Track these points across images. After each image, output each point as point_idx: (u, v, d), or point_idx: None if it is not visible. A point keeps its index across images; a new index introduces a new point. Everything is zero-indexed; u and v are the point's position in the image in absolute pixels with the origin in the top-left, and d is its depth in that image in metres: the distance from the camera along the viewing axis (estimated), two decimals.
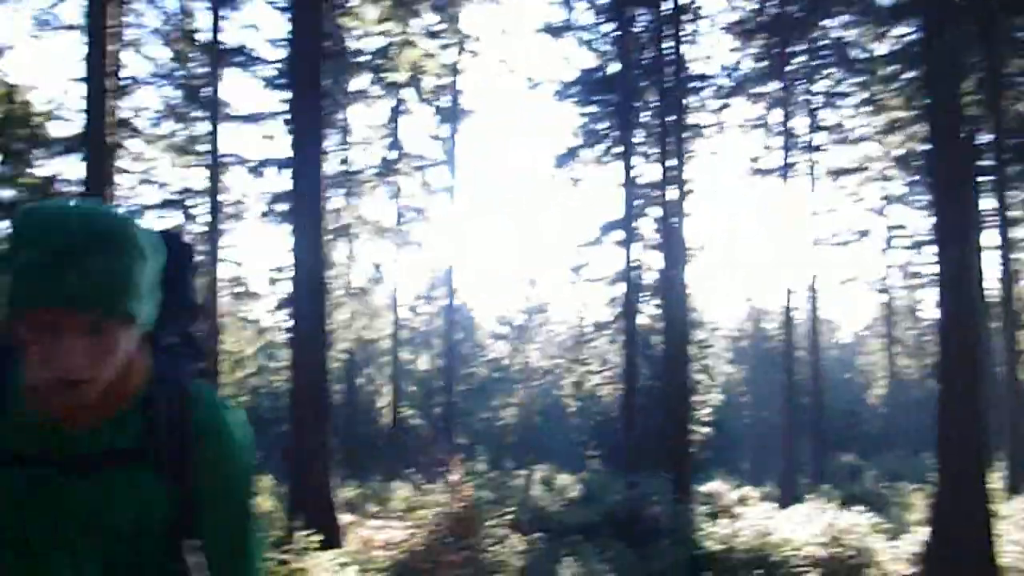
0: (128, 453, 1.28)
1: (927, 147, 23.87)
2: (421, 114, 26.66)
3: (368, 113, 22.97)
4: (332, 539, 7.90)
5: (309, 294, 8.76)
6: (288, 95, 22.69)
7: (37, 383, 1.15)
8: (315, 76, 8.26)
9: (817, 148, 25.44)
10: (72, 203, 1.19)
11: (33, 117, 17.12)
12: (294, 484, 8.57)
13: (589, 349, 42.23)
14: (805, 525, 9.15)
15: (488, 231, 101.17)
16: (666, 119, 21.46)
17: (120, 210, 1.21)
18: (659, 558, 8.24)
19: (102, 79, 10.31)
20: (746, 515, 11.16)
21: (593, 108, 25.10)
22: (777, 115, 24.97)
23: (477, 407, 39.71)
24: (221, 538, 1.37)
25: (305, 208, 8.84)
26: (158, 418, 1.29)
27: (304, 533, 6.92)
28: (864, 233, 29.78)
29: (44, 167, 18.70)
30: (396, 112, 25.02)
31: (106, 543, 1.30)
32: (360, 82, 21.64)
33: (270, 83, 22.24)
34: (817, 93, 25.12)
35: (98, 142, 10.40)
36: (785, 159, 23.75)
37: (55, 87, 47.91)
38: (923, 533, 9.36)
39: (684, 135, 16.84)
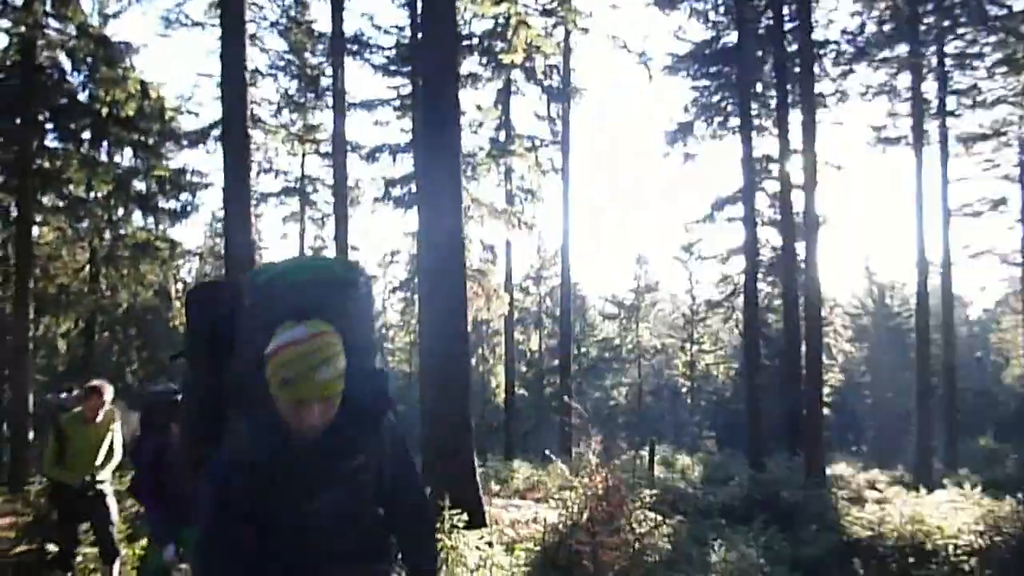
0: None
1: None
2: (532, 94, 26.46)
3: (477, 95, 22.92)
4: (477, 518, 8.01)
5: (449, 278, 8.86)
6: (400, 81, 23.24)
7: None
8: (450, 60, 8.31)
9: (950, 113, 23.98)
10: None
11: (166, 112, 17.91)
12: (440, 463, 8.74)
13: (702, 328, 41.64)
14: (957, 512, 8.72)
15: (598, 209, 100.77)
16: (787, 88, 20.74)
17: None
18: (808, 544, 8.03)
19: (242, 72, 10.68)
20: (892, 500, 10.73)
21: (706, 81, 24.53)
22: (904, 80, 23.71)
23: (588, 387, 39.67)
24: None
25: (444, 192, 8.92)
26: None
27: (451, 512, 7.03)
28: (1000, 202, 28.03)
29: (175, 159, 19.69)
30: (507, 93, 25.03)
31: None
32: (469, 64, 21.70)
33: (384, 70, 22.61)
34: (949, 55, 23.67)
35: (237, 134, 10.78)
36: (914, 126, 22.51)
37: (184, 82, 50.06)
38: None
39: (808, 104, 16.12)
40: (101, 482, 6.23)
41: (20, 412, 15.08)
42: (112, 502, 6.35)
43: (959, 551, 7.53)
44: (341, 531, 2.13)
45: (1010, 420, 28.48)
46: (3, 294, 17.06)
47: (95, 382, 6.26)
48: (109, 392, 6.20)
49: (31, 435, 14.94)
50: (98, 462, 6.18)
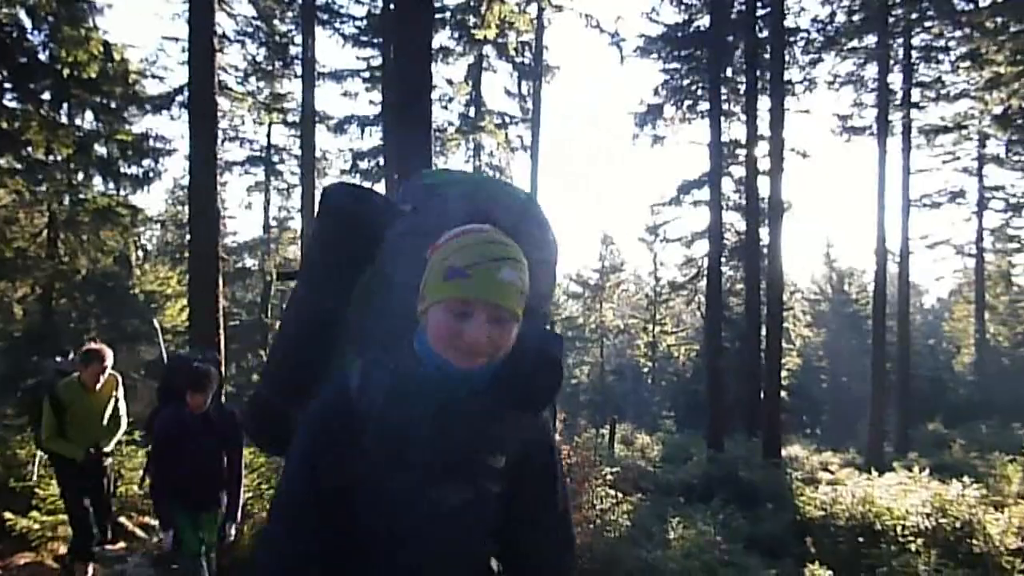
0: None
1: None
2: (503, 71, 26.34)
3: (449, 69, 22.79)
4: None
5: None
6: (370, 52, 22.99)
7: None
8: (425, 32, 8.23)
9: (914, 105, 24.39)
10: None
11: (130, 75, 17.50)
12: None
13: (664, 309, 42.07)
14: (906, 494, 8.99)
15: (566, 188, 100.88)
16: (757, 74, 20.91)
17: None
18: (764, 522, 8.24)
19: (210, 37, 10.50)
20: (845, 482, 11.02)
21: (676, 65, 24.63)
22: (871, 71, 24.04)
23: None
24: None
25: (415, 166, 8.87)
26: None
27: None
28: (958, 194, 28.67)
29: (138, 124, 19.28)
30: (479, 68, 24.91)
31: None
32: (441, 38, 21.54)
33: (354, 40, 22.35)
34: (915, 47, 24.03)
35: (204, 100, 10.61)
36: (878, 117, 22.85)
37: (149, 45, 48.96)
38: None
39: (777, 92, 16.29)
40: (108, 454, 5.84)
41: None
42: (108, 480, 5.92)
43: (907, 531, 7.78)
44: (449, 556, 1.51)
45: (959, 406, 29.26)
46: None
47: (93, 345, 5.72)
48: (109, 357, 5.69)
49: None
50: (102, 433, 5.72)
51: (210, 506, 4.87)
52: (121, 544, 7.26)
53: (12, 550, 6.51)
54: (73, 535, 5.79)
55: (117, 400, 5.78)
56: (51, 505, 6.67)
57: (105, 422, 5.72)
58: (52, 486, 6.83)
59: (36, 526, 6.53)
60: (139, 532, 7.47)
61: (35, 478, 7.19)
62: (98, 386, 5.58)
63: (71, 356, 6.00)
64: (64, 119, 17.08)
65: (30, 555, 6.46)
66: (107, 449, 5.78)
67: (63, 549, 6.57)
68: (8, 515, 6.55)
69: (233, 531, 4.92)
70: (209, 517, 4.88)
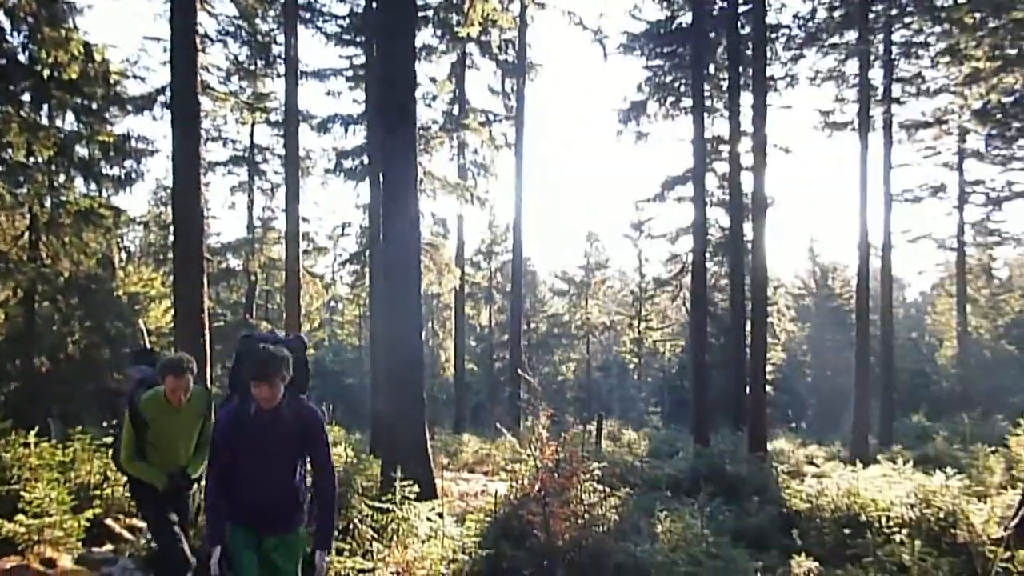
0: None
1: (1009, 99, 23.06)
2: (486, 69, 26.34)
3: (431, 67, 22.77)
4: (428, 490, 8.10)
5: (403, 251, 8.87)
6: (353, 51, 22.93)
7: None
8: (408, 26, 8.23)
9: (895, 100, 24.60)
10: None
11: (111, 75, 17.40)
12: (389, 436, 8.79)
13: (650, 306, 42.24)
14: (890, 486, 9.08)
15: (551, 186, 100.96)
16: (739, 70, 20.99)
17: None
18: (750, 515, 8.31)
19: (192, 37, 10.45)
20: (830, 475, 11.11)
21: (659, 61, 24.70)
22: (852, 66, 24.19)
23: (537, 362, 40.03)
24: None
25: (399, 165, 8.90)
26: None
27: (402, 484, 7.10)
28: (939, 189, 28.90)
29: (119, 124, 19.16)
30: (462, 66, 24.91)
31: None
32: (424, 36, 21.50)
33: (337, 39, 22.27)
34: (896, 43, 24.23)
35: (187, 100, 10.57)
36: (860, 112, 23.00)
37: (130, 46, 48.56)
38: (1011, 495, 9.26)
39: (760, 88, 16.38)
40: (195, 481, 5.07)
41: None
42: (190, 512, 5.24)
43: (891, 523, 7.85)
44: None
45: (942, 399, 29.58)
46: None
47: (175, 355, 4.97)
48: (192, 369, 4.85)
49: None
50: (187, 457, 5.00)
51: (279, 525, 3.97)
52: (108, 546, 7.24)
53: None
54: (165, 565, 4.89)
55: (206, 420, 5.03)
56: (36, 508, 6.63)
57: (193, 445, 5.03)
58: (38, 488, 6.82)
59: (22, 529, 6.49)
60: (126, 534, 7.45)
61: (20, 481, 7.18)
62: (182, 402, 4.86)
63: (157, 364, 5.05)
64: (45, 120, 16.97)
65: (16, 558, 6.42)
66: (194, 476, 5.03)
67: (50, 552, 6.55)
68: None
69: (325, 563, 3.88)
70: (280, 541, 3.99)
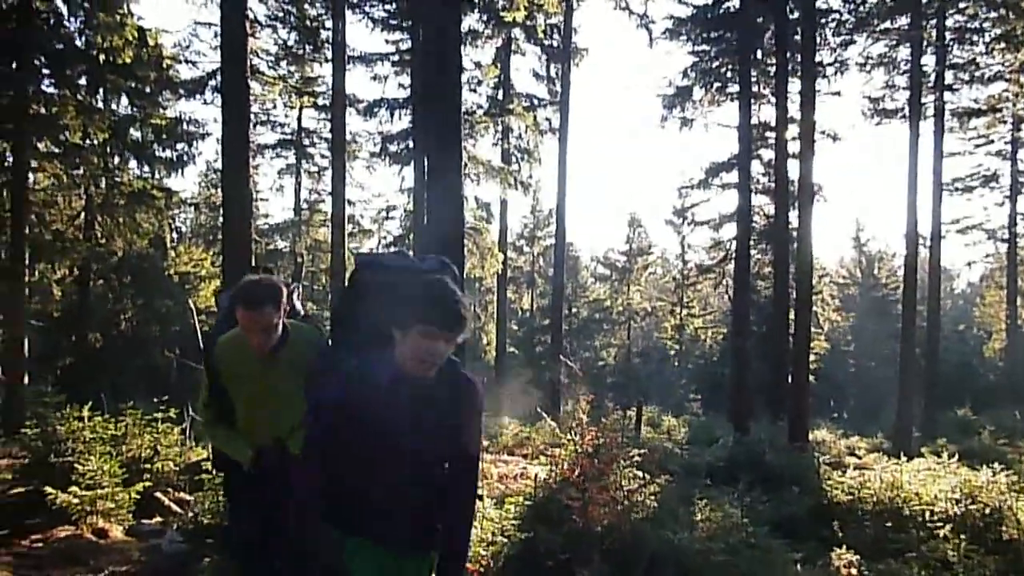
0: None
1: None
2: (531, 53, 26.27)
3: (477, 52, 22.75)
4: None
5: (447, 235, 8.94)
6: (399, 36, 23.03)
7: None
8: (455, 12, 8.29)
9: (947, 87, 24.01)
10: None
11: (164, 60, 17.75)
12: None
13: (692, 292, 41.96)
14: (934, 480, 8.97)
15: (594, 171, 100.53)
16: (787, 56, 20.68)
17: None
18: (789, 505, 8.28)
19: (242, 22, 10.62)
20: (872, 467, 11.01)
21: (705, 47, 24.40)
22: (904, 52, 23.66)
23: (578, 347, 40.06)
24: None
25: (444, 149, 8.97)
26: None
27: None
28: (991, 178, 28.22)
29: (171, 108, 19.55)
30: (507, 51, 24.87)
31: None
32: (470, 21, 21.52)
33: (383, 24, 22.38)
34: (949, 28, 23.63)
35: (236, 84, 10.76)
36: (911, 99, 22.51)
37: (182, 30, 49.15)
38: None
39: (809, 74, 16.13)
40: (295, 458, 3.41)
41: (15, 355, 15.18)
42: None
43: (935, 517, 7.76)
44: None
45: (988, 392, 28.97)
46: None
47: (253, 278, 3.39)
48: (280, 300, 3.29)
49: (26, 379, 15.09)
50: (285, 425, 3.41)
51: (420, 544, 2.68)
52: (157, 518, 7.46)
53: (52, 524, 6.65)
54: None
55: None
56: (89, 480, 6.82)
57: (296, 410, 3.18)
58: (91, 461, 6.98)
59: (75, 500, 6.63)
60: (175, 507, 7.66)
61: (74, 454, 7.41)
62: (268, 348, 3.34)
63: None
64: (100, 104, 17.41)
65: (69, 528, 6.61)
66: (296, 450, 3.32)
67: (101, 523, 6.75)
68: (48, 489, 6.68)
69: None
70: (417, 564, 2.71)
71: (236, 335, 3.39)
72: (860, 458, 16.15)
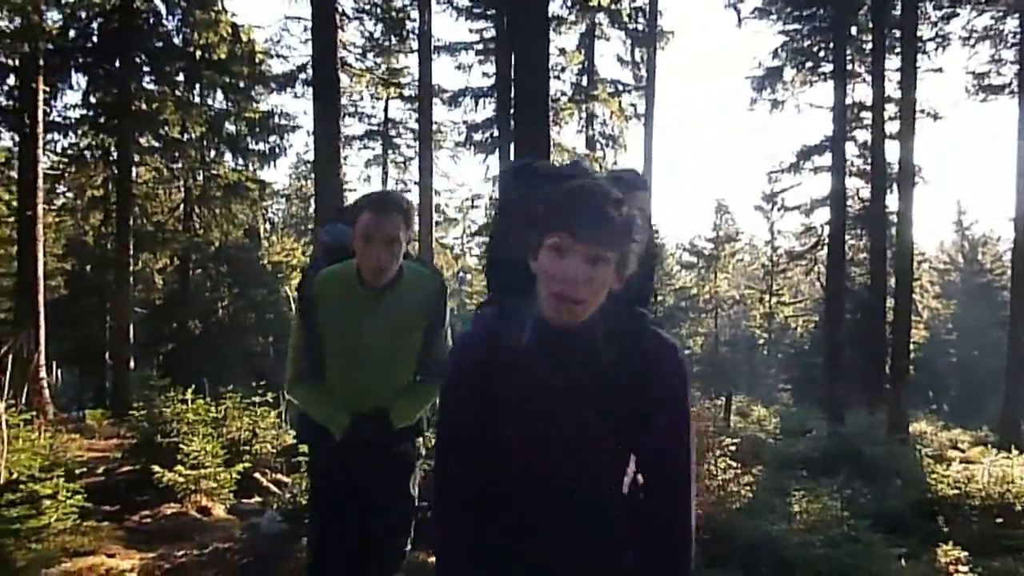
0: None
1: None
2: (615, 38, 25.97)
3: (561, 39, 22.64)
4: None
5: None
6: (482, 24, 23.10)
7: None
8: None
9: None
10: None
11: (256, 55, 18.25)
12: None
13: (781, 280, 40.87)
14: None
15: (680, 156, 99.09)
16: (884, 32, 19.85)
17: None
18: (891, 499, 7.98)
19: (332, 15, 10.80)
20: (978, 460, 10.52)
21: (797, 25, 23.67)
22: (1011, 24, 22.37)
23: None
24: None
25: (531, 136, 8.93)
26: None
27: None
28: None
29: (264, 101, 20.10)
30: (591, 37, 24.65)
31: None
32: (554, 7, 21.40)
33: (467, 13, 22.49)
34: None
35: (327, 77, 10.95)
36: (1019, 73, 21.26)
37: (273, 25, 50.42)
38: None
39: (909, 50, 15.44)
40: (402, 434, 2.79)
41: (122, 340, 15.94)
42: (404, 492, 2.85)
43: None
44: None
45: None
46: (105, 231, 17.90)
47: (376, 193, 2.84)
48: (412, 214, 2.75)
49: (131, 363, 15.82)
50: (393, 386, 2.79)
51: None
52: (256, 498, 7.68)
53: (159, 501, 6.90)
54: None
55: (434, 326, 2.81)
56: (193, 460, 7.05)
57: (405, 368, 2.81)
58: (195, 442, 7.23)
59: (180, 479, 6.86)
60: (272, 487, 7.87)
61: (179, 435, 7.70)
62: (387, 279, 2.71)
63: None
64: (197, 99, 18.06)
65: (175, 506, 6.84)
66: (400, 423, 2.76)
67: (205, 501, 6.99)
68: (156, 468, 6.93)
69: None
70: None
71: (341, 268, 2.77)
72: (963, 451, 15.45)
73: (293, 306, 3.46)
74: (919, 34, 20.23)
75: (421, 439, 2.96)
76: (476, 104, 21.70)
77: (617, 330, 1.62)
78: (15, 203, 16.15)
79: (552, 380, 1.61)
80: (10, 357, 7.56)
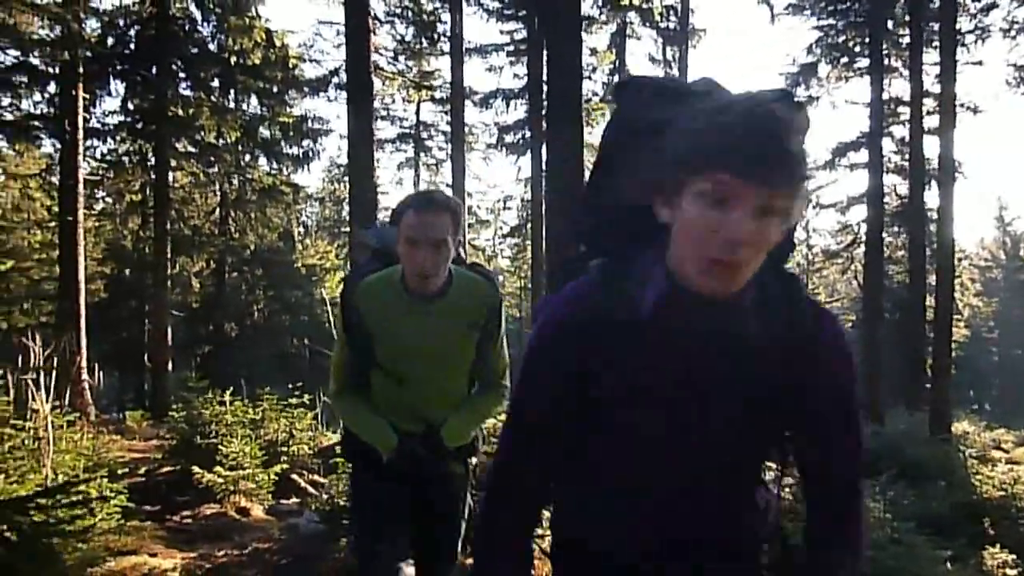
0: None
1: None
2: (647, 37, 25.80)
3: (592, 39, 22.54)
4: None
5: (565, 226, 8.89)
6: (513, 26, 23.08)
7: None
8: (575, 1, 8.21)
9: None
10: None
11: (290, 59, 18.42)
12: None
13: (817, 279, 40.35)
14: None
15: None
16: (921, 26, 19.50)
17: None
18: (935, 501, 7.82)
19: (365, 19, 10.86)
20: (1022, 460, 10.31)
21: (832, 20, 23.35)
22: None
23: None
24: None
25: (561, 138, 8.92)
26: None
27: None
28: None
29: (297, 106, 20.29)
30: (622, 36, 24.53)
31: None
32: (585, 6, 21.30)
33: (498, 14, 22.47)
34: None
35: (361, 81, 11.00)
36: None
37: (306, 30, 50.91)
38: None
39: (948, 43, 15.14)
40: (457, 454, 2.60)
41: (160, 343, 16.17)
42: (455, 511, 2.69)
43: None
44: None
45: None
46: (144, 235, 18.18)
47: (422, 192, 2.63)
48: (459, 214, 2.48)
49: (170, 365, 16.04)
50: (446, 401, 2.60)
51: None
52: (294, 499, 7.73)
53: (199, 501, 6.96)
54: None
55: (488, 339, 2.60)
56: (232, 461, 7.09)
57: (458, 382, 2.65)
58: (234, 443, 7.30)
59: (220, 480, 6.92)
60: (310, 488, 7.91)
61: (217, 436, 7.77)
62: (435, 286, 2.50)
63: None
64: (232, 104, 18.27)
65: (215, 506, 6.89)
66: (452, 442, 2.55)
67: (243, 502, 7.05)
68: (195, 469, 7.00)
69: None
70: None
71: (385, 274, 2.55)
72: (1007, 452, 15.15)
73: (331, 314, 3.06)
74: (958, 27, 19.89)
75: (475, 460, 2.73)
76: (507, 105, 21.71)
77: (771, 297, 1.28)
78: (56, 208, 16.45)
79: (690, 362, 1.27)
80: (54, 360, 7.68)
